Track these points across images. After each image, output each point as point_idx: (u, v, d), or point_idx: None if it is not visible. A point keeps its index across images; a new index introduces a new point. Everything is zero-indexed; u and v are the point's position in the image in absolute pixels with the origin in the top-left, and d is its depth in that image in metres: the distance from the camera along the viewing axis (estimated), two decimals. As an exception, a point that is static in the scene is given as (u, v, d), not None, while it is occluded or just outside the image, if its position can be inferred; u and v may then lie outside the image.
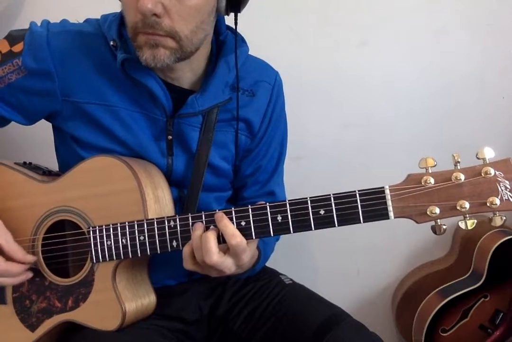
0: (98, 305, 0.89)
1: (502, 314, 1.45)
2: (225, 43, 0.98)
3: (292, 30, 1.45)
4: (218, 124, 0.98)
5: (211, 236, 0.79)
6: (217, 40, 0.99)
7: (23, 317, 0.94)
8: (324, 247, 1.60)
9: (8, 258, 0.88)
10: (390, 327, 1.66)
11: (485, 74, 1.51)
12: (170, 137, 0.95)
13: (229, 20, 0.98)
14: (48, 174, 0.98)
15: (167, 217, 0.85)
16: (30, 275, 0.92)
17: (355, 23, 1.46)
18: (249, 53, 1.03)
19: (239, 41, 0.97)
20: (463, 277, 1.46)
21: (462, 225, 0.73)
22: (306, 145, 1.50)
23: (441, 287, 1.46)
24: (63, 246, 0.94)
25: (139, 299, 0.91)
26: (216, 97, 0.95)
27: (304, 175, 1.50)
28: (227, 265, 0.81)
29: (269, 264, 1.12)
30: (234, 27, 0.94)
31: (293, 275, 1.11)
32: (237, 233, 0.79)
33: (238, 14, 0.92)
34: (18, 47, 0.92)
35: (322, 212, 0.77)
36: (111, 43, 0.91)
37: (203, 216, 0.82)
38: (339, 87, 1.50)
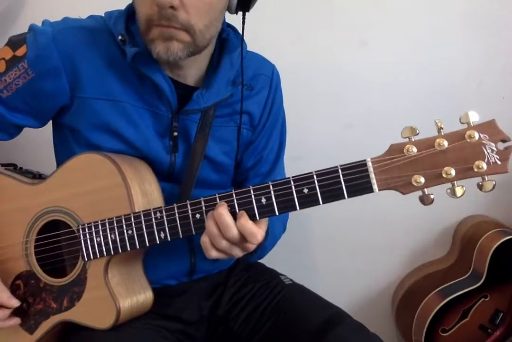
0: (92, 303, 0.89)
1: (502, 314, 1.45)
2: (228, 40, 0.99)
3: (293, 30, 1.45)
4: (219, 119, 0.99)
5: (223, 211, 0.78)
6: (220, 38, 1.00)
7: (21, 321, 0.94)
8: (324, 247, 1.61)
9: None
10: (390, 327, 1.66)
11: (485, 74, 1.51)
12: (175, 133, 0.95)
13: (229, 19, 0.99)
14: (38, 177, 0.98)
15: (153, 209, 0.84)
16: (18, 321, 0.93)
17: (355, 23, 1.46)
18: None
19: (239, 39, 0.97)
20: (463, 277, 1.46)
21: (450, 192, 0.70)
22: (306, 145, 1.50)
23: (441, 287, 1.46)
24: (55, 246, 0.94)
25: (134, 296, 0.90)
26: (220, 93, 0.96)
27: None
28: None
29: (269, 264, 1.12)
30: (235, 25, 0.95)
31: (293, 275, 1.11)
32: (232, 223, 0.78)
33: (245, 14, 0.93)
34: (21, 51, 0.91)
35: (305, 190, 0.76)
36: (119, 38, 0.90)
37: (188, 204, 0.82)
38: (340, 87, 1.50)
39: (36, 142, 1.30)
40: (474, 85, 1.52)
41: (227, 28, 1.01)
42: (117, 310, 0.87)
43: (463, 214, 1.60)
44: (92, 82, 0.92)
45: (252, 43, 1.02)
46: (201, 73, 0.98)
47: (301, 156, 1.48)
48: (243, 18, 0.93)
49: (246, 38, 1.00)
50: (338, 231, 1.56)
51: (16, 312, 0.94)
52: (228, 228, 0.77)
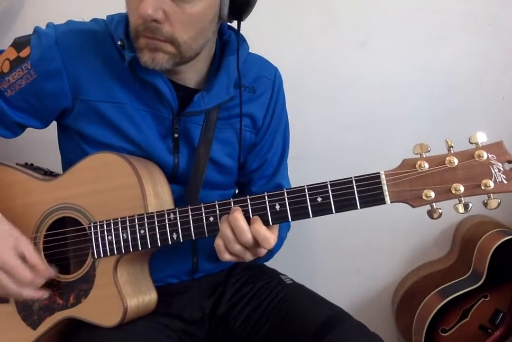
0: (100, 301, 0.90)
1: (502, 314, 1.45)
2: (229, 43, 0.99)
3: (293, 30, 1.45)
4: (222, 122, 0.99)
5: (238, 215, 0.80)
6: (221, 40, 1.01)
7: (24, 315, 0.94)
8: (324, 247, 1.61)
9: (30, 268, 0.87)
10: (390, 327, 1.66)
11: (485, 74, 1.52)
12: (176, 135, 0.96)
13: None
14: (49, 174, 0.99)
15: (167, 210, 0.86)
16: (47, 294, 0.90)
17: (355, 23, 1.46)
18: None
19: (240, 40, 0.97)
20: (463, 277, 1.47)
21: (458, 208, 0.74)
22: (307, 146, 1.50)
23: (441, 287, 1.46)
24: (64, 243, 0.94)
25: (141, 295, 0.91)
26: (220, 96, 0.97)
27: (305, 175, 1.49)
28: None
29: (269, 264, 1.12)
30: (236, 28, 0.95)
31: (293, 275, 1.11)
32: (247, 227, 0.80)
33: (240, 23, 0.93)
34: (25, 52, 0.92)
35: (319, 199, 0.78)
36: (119, 43, 0.91)
37: (202, 207, 0.83)
38: (340, 88, 1.50)
39: (36, 142, 1.30)
40: (474, 86, 1.52)
41: (228, 30, 1.01)
42: (124, 309, 0.87)
43: (463, 214, 1.60)
44: (93, 85, 0.93)
45: (252, 44, 1.03)
46: (201, 76, 0.99)
47: (302, 156, 1.48)
48: (238, 27, 0.93)
49: (246, 38, 1.00)
50: (339, 231, 1.56)
51: (20, 307, 0.94)
52: (242, 232, 0.79)
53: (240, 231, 0.79)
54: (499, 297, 1.45)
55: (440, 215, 0.75)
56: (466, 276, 1.46)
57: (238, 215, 0.79)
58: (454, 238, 1.60)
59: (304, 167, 1.48)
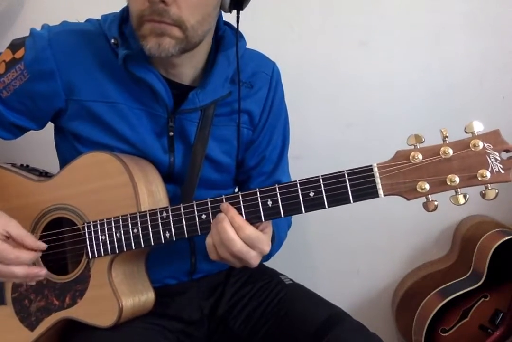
0: (95, 301, 0.90)
1: (502, 314, 1.44)
2: (224, 38, 0.99)
3: (293, 30, 1.45)
4: (219, 119, 0.99)
5: (227, 225, 0.79)
6: (216, 36, 1.00)
7: (22, 317, 0.94)
8: (324, 247, 1.61)
9: (18, 246, 0.85)
10: (390, 327, 1.66)
11: (485, 74, 1.51)
12: (171, 133, 0.96)
13: (227, 16, 0.98)
14: (44, 175, 0.99)
15: (160, 208, 0.85)
16: (44, 270, 0.86)
17: (355, 23, 1.46)
18: (250, 52, 1.04)
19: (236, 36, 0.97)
20: (463, 277, 1.46)
21: (453, 200, 0.72)
22: (306, 145, 1.50)
23: (441, 287, 1.46)
24: (60, 243, 0.94)
25: (137, 295, 0.91)
26: (216, 92, 0.96)
27: (304, 174, 1.49)
28: (252, 255, 0.81)
29: (269, 264, 1.12)
30: (233, 23, 0.95)
31: (293, 275, 1.11)
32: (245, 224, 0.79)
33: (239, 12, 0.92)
34: (19, 53, 0.93)
35: (311, 194, 0.77)
36: (112, 41, 0.91)
37: (195, 205, 0.83)
38: (340, 87, 1.50)
39: (34, 142, 1.30)
40: (474, 85, 1.52)
41: (223, 26, 1.01)
42: (120, 309, 0.87)
43: (463, 214, 1.60)
44: (87, 85, 0.93)
45: (251, 43, 1.02)
46: (197, 72, 0.98)
47: (301, 156, 1.48)
48: (237, 17, 0.93)
49: (245, 37, 1.00)
50: (338, 231, 1.56)
51: (18, 309, 0.94)
52: (232, 242, 0.78)
53: (228, 241, 0.78)
54: (499, 297, 1.45)
55: (436, 207, 0.73)
56: (466, 276, 1.46)
57: (226, 225, 0.78)
58: (454, 238, 1.60)
59: (303, 166, 1.47)
